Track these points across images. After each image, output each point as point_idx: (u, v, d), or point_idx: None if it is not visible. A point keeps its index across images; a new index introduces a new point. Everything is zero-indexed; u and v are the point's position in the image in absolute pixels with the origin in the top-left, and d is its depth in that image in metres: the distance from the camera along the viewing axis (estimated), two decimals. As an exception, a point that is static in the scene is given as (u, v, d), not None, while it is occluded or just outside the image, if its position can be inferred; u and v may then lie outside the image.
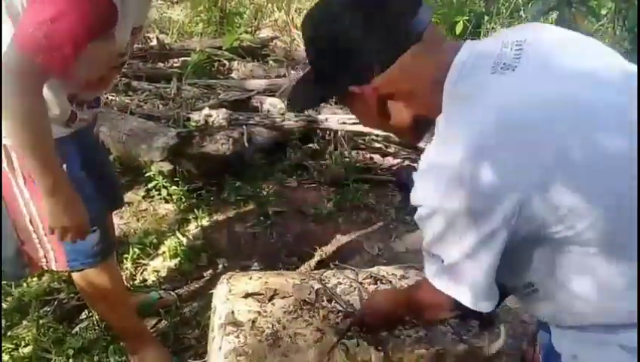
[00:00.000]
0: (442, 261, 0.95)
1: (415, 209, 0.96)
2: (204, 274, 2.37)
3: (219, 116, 3.19)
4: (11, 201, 1.52)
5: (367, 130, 3.31)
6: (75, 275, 1.73)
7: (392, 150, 3.62)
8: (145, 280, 2.30)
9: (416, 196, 0.95)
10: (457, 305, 1.00)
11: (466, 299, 0.96)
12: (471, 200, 0.86)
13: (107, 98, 3.75)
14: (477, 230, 0.87)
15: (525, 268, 0.95)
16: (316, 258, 2.51)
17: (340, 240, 2.66)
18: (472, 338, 1.50)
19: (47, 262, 1.62)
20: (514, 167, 0.84)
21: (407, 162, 3.41)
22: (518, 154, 0.84)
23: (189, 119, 3.28)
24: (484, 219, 0.86)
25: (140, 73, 4.25)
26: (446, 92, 0.93)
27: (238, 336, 1.45)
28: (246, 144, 2.90)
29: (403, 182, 3.13)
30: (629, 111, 0.86)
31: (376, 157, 3.51)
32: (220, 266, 2.43)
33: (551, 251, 0.91)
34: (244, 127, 3.04)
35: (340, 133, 3.46)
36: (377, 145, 3.60)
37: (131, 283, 2.26)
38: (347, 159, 3.25)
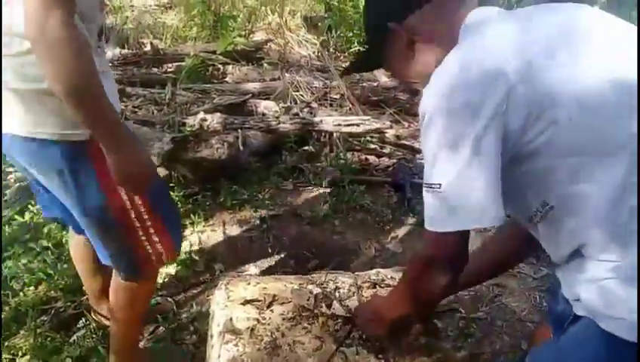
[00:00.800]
0: (440, 188, 0.99)
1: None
2: (202, 280, 2.36)
3: (213, 120, 3.17)
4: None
5: (362, 130, 3.32)
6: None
7: (387, 150, 3.62)
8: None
9: (421, 107, 1.02)
10: (451, 258, 1.06)
11: (470, 220, 0.99)
12: (464, 94, 0.95)
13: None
14: (472, 125, 0.94)
15: (536, 189, 1.00)
16: (313, 261, 2.51)
17: (337, 242, 2.66)
18: (472, 344, 1.50)
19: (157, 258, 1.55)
20: (501, 60, 0.95)
21: (402, 162, 3.41)
22: (504, 47, 0.97)
23: (184, 124, 3.26)
24: (478, 110, 0.94)
25: (134, 79, 4.23)
26: (460, 34, 1.05)
27: (236, 345, 1.44)
28: (241, 148, 2.89)
29: (399, 182, 3.13)
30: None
31: (372, 158, 3.51)
32: (217, 271, 2.42)
33: (550, 163, 0.97)
34: (239, 130, 3.03)
35: (335, 135, 3.46)
36: (372, 146, 3.60)
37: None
38: (342, 161, 3.25)
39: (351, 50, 5.74)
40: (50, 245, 2.39)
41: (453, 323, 1.55)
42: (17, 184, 2.71)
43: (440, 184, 0.99)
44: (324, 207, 2.87)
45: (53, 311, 2.13)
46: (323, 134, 3.49)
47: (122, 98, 3.93)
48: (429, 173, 1.01)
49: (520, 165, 0.99)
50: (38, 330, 2.01)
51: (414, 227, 2.82)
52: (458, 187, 0.98)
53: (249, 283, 1.70)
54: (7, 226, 2.49)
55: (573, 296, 1.05)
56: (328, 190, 3.02)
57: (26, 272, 2.25)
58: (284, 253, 2.58)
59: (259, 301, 1.60)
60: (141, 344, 1.98)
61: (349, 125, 3.21)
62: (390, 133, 3.61)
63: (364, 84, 4.62)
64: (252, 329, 1.48)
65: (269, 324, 1.51)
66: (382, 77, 4.98)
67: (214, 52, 4.60)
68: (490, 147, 0.95)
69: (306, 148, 3.34)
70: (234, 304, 1.59)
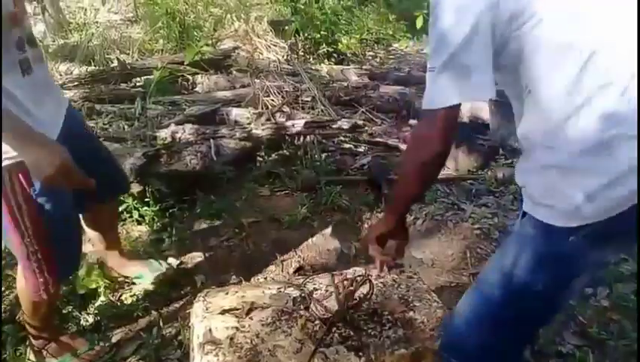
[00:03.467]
0: (443, 66, 1.13)
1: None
2: (183, 293, 2.35)
3: (185, 132, 3.17)
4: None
5: (334, 131, 3.33)
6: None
7: (361, 149, 3.64)
8: (125, 304, 2.27)
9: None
10: (446, 130, 1.20)
11: (471, 93, 1.15)
12: None
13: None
14: (472, 11, 1.10)
15: (522, 71, 1.15)
16: (294, 264, 2.51)
17: (317, 243, 2.67)
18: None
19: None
20: None
21: (377, 159, 3.43)
22: None
23: (155, 138, 3.25)
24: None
25: (103, 96, 4.21)
26: None
27: (217, 355, 1.44)
28: (214, 158, 2.88)
29: (375, 179, 3.15)
30: None
31: (347, 158, 3.52)
32: (199, 283, 2.41)
33: (532, 50, 1.11)
34: (211, 140, 3.02)
35: (308, 137, 3.47)
36: (347, 145, 3.62)
37: (113, 310, 2.23)
38: (318, 163, 3.26)
39: (319, 51, 5.77)
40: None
41: (430, 314, 1.57)
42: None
43: (443, 62, 1.13)
44: (302, 210, 2.87)
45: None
46: (297, 137, 3.50)
47: (92, 116, 3.91)
48: (433, 56, 1.16)
49: (507, 52, 1.14)
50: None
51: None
52: (459, 63, 1.12)
53: (227, 293, 1.69)
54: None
55: (521, 183, 1.23)
56: (305, 193, 3.02)
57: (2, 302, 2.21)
58: (265, 260, 2.58)
59: (237, 309, 1.60)
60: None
61: (320, 126, 3.22)
62: (363, 132, 3.63)
63: (335, 85, 4.65)
64: (231, 338, 1.49)
65: (248, 331, 1.51)
66: (352, 76, 5.01)
67: (182, 63, 4.59)
68: (487, 29, 1.11)
69: (281, 152, 3.34)
70: (212, 314, 1.59)
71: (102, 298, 2.28)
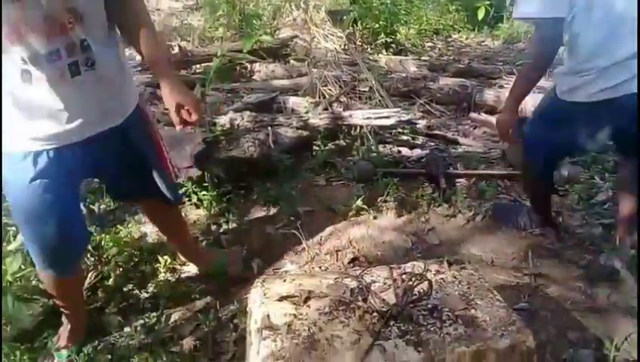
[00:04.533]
0: None
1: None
2: (239, 277, 2.37)
3: (243, 119, 3.19)
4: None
5: (392, 122, 3.28)
6: None
7: (419, 141, 3.58)
8: (183, 285, 2.32)
9: None
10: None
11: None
12: None
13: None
14: None
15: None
16: (348, 255, 2.49)
17: (372, 235, 2.64)
18: (514, 333, 1.45)
19: None
20: None
21: (435, 152, 3.36)
22: None
23: (214, 124, 3.29)
24: None
25: (164, 81, 4.30)
26: None
27: (274, 340, 1.44)
28: (272, 145, 2.89)
29: (433, 173, 3.08)
30: None
31: (404, 150, 3.47)
32: (255, 268, 2.43)
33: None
34: (269, 128, 3.03)
35: (365, 128, 3.44)
36: (404, 137, 3.56)
37: (168, 295, 2.28)
38: (374, 154, 3.22)
39: (377, 41, 5.70)
40: (90, 248, 2.44)
41: (492, 313, 1.51)
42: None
43: None
44: (358, 201, 2.85)
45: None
46: (354, 128, 3.47)
47: (153, 101, 4.00)
48: None
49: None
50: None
51: (450, 219, 2.78)
52: None
53: (284, 280, 1.70)
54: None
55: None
56: (361, 184, 3.00)
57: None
58: (319, 249, 2.57)
59: (295, 297, 1.60)
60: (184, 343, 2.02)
61: (379, 118, 3.18)
62: (422, 124, 3.56)
63: (393, 76, 4.58)
64: (289, 325, 1.48)
65: (306, 319, 1.51)
66: (411, 67, 4.92)
67: (241, 51, 4.63)
68: None
69: (337, 142, 3.32)
70: (270, 301, 1.59)
71: (161, 276, 2.33)
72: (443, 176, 2.98)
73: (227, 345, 2.05)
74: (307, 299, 1.59)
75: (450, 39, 7.93)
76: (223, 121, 3.26)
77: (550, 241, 2.62)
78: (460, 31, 8.38)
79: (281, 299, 1.59)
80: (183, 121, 1.67)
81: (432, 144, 3.53)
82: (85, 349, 1.99)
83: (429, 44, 7.31)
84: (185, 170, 2.75)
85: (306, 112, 3.30)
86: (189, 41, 5.47)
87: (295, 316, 1.52)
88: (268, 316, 1.53)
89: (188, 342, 2.06)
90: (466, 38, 8.04)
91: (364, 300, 1.57)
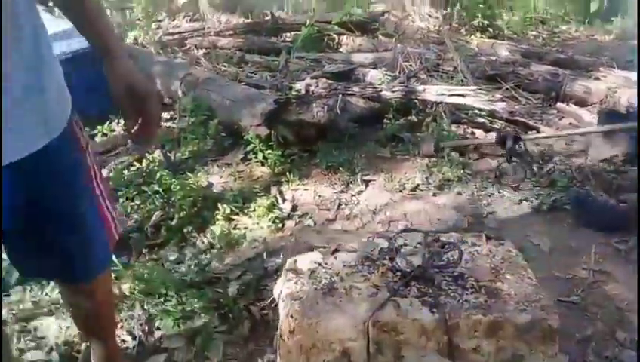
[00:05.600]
0: None
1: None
2: (290, 233, 2.46)
3: (318, 86, 3.26)
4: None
5: (468, 102, 3.20)
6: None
7: (497, 126, 3.46)
8: (237, 233, 2.44)
9: None
10: None
11: None
12: None
13: (221, 69, 4.00)
14: None
15: None
16: (400, 227, 2.49)
17: (428, 211, 2.62)
18: (538, 309, 1.41)
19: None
20: None
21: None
22: None
23: (290, 89, 3.39)
24: None
25: (253, 47, 4.47)
26: None
27: (296, 283, 1.51)
28: (338, 112, 2.93)
29: (508, 146, 2.94)
30: None
31: (479, 132, 3.38)
32: (307, 224, 2.50)
33: None
34: (340, 95, 3.07)
35: (441, 106, 3.38)
36: (481, 120, 3.46)
37: (223, 241, 2.41)
38: (445, 132, 3.17)
39: (473, 22, 5.52)
40: (160, 189, 2.63)
41: (519, 288, 1.48)
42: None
43: None
44: (420, 175, 2.82)
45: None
46: (429, 105, 3.42)
47: (240, 64, 4.18)
48: None
49: None
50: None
51: (514, 205, 2.69)
52: None
53: (319, 233, 1.76)
54: (125, 170, 2.80)
55: None
56: (426, 160, 2.97)
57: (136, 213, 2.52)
58: (374, 219, 2.59)
59: (325, 248, 1.65)
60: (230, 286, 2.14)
61: (453, 95, 3.11)
62: (500, 107, 3.43)
63: (482, 58, 4.43)
64: (313, 271, 1.55)
65: (330, 268, 1.56)
66: (503, 52, 4.73)
67: (330, 22, 4.68)
68: None
69: (409, 117, 3.30)
70: (301, 249, 1.66)
71: (219, 223, 2.47)
72: (512, 140, 2.85)
73: (268, 293, 2.14)
74: (336, 250, 1.64)
75: (557, 30, 7.48)
76: (299, 86, 3.34)
77: (619, 241, 2.47)
78: (569, 22, 7.87)
79: (312, 248, 1.66)
80: (135, 133, 1.24)
81: (510, 129, 3.39)
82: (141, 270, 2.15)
83: (533, 32, 6.94)
84: (254, 127, 2.87)
85: (380, 84, 3.30)
86: (285, 10, 5.61)
87: (320, 264, 1.58)
88: (295, 261, 1.60)
89: (233, 285, 2.18)
90: (575, 31, 7.54)
91: (391, 259, 1.59)
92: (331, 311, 1.41)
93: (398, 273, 1.53)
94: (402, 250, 1.63)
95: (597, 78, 3.94)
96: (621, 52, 5.79)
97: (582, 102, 3.74)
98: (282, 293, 1.49)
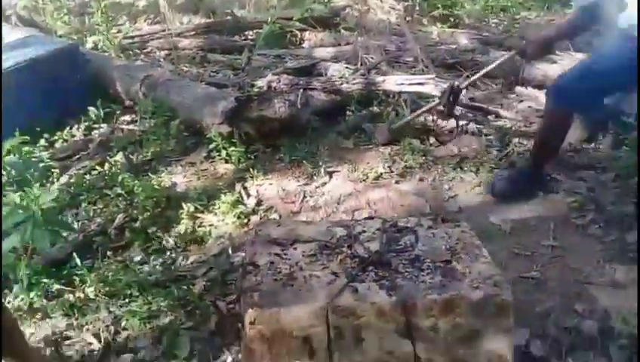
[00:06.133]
0: None
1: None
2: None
3: (280, 82, 3.27)
4: None
5: (427, 90, 3.25)
6: None
7: (457, 113, 3.51)
8: (201, 231, 2.44)
9: None
10: None
11: None
12: None
13: (183, 69, 3.98)
14: None
15: None
16: (364, 215, 2.53)
17: (392, 199, 2.65)
18: (491, 286, 1.46)
19: None
20: None
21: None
22: None
23: (253, 86, 3.40)
24: None
25: (215, 46, 4.46)
26: None
27: (256, 275, 1.52)
28: (299, 106, 2.95)
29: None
30: None
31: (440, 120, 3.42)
32: (272, 218, 2.51)
33: None
34: (301, 90, 3.09)
35: (402, 96, 3.42)
36: (441, 107, 3.50)
37: (188, 239, 2.41)
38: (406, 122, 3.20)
39: (433, 13, 5.58)
40: (123, 192, 2.62)
41: (473, 267, 1.52)
42: (99, 138, 2.98)
43: None
44: (382, 164, 2.86)
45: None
46: (391, 95, 3.46)
47: (203, 63, 4.16)
48: None
49: None
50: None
51: (475, 187, 2.74)
52: None
53: (279, 225, 1.78)
54: (87, 175, 2.77)
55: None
56: (388, 149, 3.00)
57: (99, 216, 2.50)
58: (338, 209, 2.62)
59: (284, 240, 1.67)
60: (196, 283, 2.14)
61: (412, 84, 3.15)
62: (462, 95, 3.48)
63: (442, 47, 4.48)
64: (272, 263, 1.56)
65: (289, 259, 1.58)
66: (462, 40, 4.80)
67: (291, 19, 4.68)
68: None
69: (371, 109, 3.33)
70: (261, 242, 1.67)
71: (183, 222, 2.47)
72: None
73: (234, 288, 2.16)
74: (295, 241, 1.66)
75: (517, 17, 7.61)
76: (261, 83, 3.35)
77: (577, 216, 2.55)
78: (530, 9, 8.02)
79: (271, 241, 1.67)
80: None
81: (471, 116, 3.45)
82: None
83: (495, 20, 7.05)
84: (216, 125, 2.87)
85: (341, 77, 3.33)
86: (245, 9, 5.58)
87: (279, 256, 1.60)
88: (255, 254, 1.61)
89: (199, 282, 2.19)
90: (536, 16, 7.69)
91: (349, 247, 1.62)
92: (291, 300, 1.43)
93: (356, 259, 1.55)
94: (361, 237, 1.66)
95: (554, 62, 4.02)
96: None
97: (541, 86, 3.82)
98: (244, 286, 1.51)
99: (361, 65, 3.83)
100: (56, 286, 2.10)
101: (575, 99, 2.45)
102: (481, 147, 3.07)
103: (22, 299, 2.04)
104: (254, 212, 2.56)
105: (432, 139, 3.14)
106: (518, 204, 2.62)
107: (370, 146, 3.06)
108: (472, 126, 3.32)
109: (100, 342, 1.90)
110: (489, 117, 3.48)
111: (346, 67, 3.64)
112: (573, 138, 3.12)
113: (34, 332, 1.94)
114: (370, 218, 1.85)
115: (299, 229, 1.74)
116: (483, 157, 2.97)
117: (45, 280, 2.10)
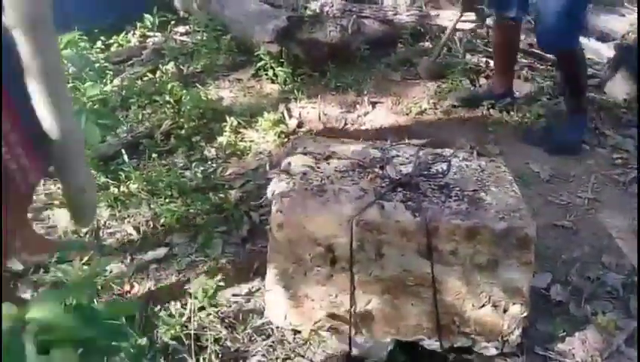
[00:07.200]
0: None
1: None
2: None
3: (333, 6, 3.22)
4: None
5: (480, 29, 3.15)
6: None
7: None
8: (240, 149, 2.52)
9: None
10: None
11: None
12: None
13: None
14: None
15: None
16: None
17: (432, 135, 2.64)
18: (516, 219, 1.47)
19: None
20: None
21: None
22: None
23: (306, 8, 3.36)
24: None
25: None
26: None
27: (288, 183, 1.58)
28: (350, 32, 2.91)
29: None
30: None
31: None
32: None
33: None
34: (354, 16, 3.04)
35: (458, 34, 3.32)
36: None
37: (229, 151, 2.49)
38: (459, 59, 3.14)
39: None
40: (171, 100, 2.70)
41: (501, 199, 1.53)
42: (153, 47, 3.05)
43: None
44: (427, 100, 2.84)
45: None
46: (446, 32, 3.36)
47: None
48: None
49: None
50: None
51: (518, 133, 2.70)
52: None
53: (315, 140, 1.82)
54: (139, 80, 2.86)
55: None
56: (435, 85, 2.97)
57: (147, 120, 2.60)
58: (376, 138, 2.63)
59: (319, 154, 1.72)
60: (232, 193, 2.23)
61: (466, 21, 3.06)
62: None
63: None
64: (305, 173, 1.62)
65: (322, 172, 1.63)
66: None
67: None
68: None
69: (423, 43, 3.27)
70: (297, 153, 1.73)
71: (226, 135, 2.55)
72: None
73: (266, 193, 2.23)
74: (329, 157, 1.71)
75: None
76: (314, 6, 3.31)
77: (620, 173, 2.49)
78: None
79: (306, 153, 1.72)
80: None
81: (527, 61, 3.34)
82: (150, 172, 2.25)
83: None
84: (266, 44, 2.88)
85: (394, 7, 3.25)
86: None
87: (312, 168, 1.65)
88: (289, 163, 1.67)
89: (236, 193, 2.28)
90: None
91: (382, 168, 1.65)
92: (319, 208, 1.48)
93: (387, 180, 1.59)
94: (394, 160, 1.69)
95: (622, 15, 3.81)
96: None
97: (604, 38, 3.65)
98: (275, 192, 1.57)
99: (420, -3, 3.71)
100: (103, 180, 2.23)
101: (572, 35, 2.44)
102: (531, 94, 2.99)
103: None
104: (294, 132, 2.61)
105: (482, 80, 3.07)
106: (562, 154, 2.58)
107: (418, 81, 3.02)
108: (526, 71, 3.22)
109: (138, 233, 2.02)
110: (545, 65, 3.36)
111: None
112: (626, 93, 3.00)
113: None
114: (407, 144, 1.87)
115: (335, 147, 1.78)
116: (532, 104, 2.90)
117: (93, 172, 2.22)
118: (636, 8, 3.87)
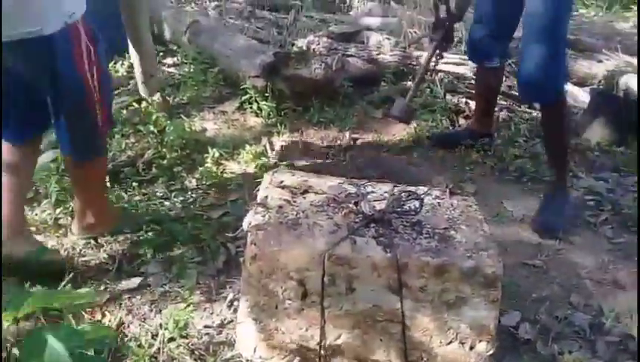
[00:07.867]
0: None
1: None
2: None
3: (320, 44, 3.31)
4: None
5: (464, 71, 3.25)
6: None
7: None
8: (223, 176, 2.55)
9: None
10: None
11: None
12: None
13: (228, 21, 4.06)
14: None
15: None
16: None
17: (412, 173, 2.70)
18: (484, 258, 1.51)
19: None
20: None
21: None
22: None
23: (293, 45, 3.45)
24: None
25: (264, 2, 4.51)
26: None
27: (264, 216, 1.61)
28: (334, 69, 2.99)
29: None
30: None
31: (473, 104, 3.42)
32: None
33: None
34: (339, 55, 3.13)
35: (440, 74, 3.42)
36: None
37: (209, 182, 2.52)
38: (439, 100, 3.22)
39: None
40: (155, 130, 2.74)
41: (470, 238, 1.58)
42: (140, 77, 3.10)
43: None
44: (407, 138, 2.91)
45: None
46: (430, 73, 3.46)
47: (249, 19, 4.23)
48: None
49: None
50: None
51: (496, 173, 2.77)
52: None
53: (293, 175, 1.86)
54: (124, 110, 2.90)
55: None
56: (415, 123, 3.03)
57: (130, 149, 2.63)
58: (355, 174, 2.68)
59: (296, 188, 1.76)
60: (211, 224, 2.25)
61: (448, 63, 3.15)
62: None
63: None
64: (281, 207, 1.65)
65: (297, 206, 1.66)
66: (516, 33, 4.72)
67: (342, -16, 4.70)
68: None
69: (405, 82, 3.36)
70: (274, 186, 1.76)
71: (207, 165, 2.58)
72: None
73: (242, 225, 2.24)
74: (305, 191, 1.74)
75: (575, 14, 7.38)
76: (301, 43, 3.40)
77: (591, 214, 2.56)
78: (588, 7, 7.77)
79: (283, 187, 1.76)
80: None
81: (505, 104, 3.44)
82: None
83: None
84: (252, 78, 2.95)
85: (378, 47, 3.35)
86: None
87: (289, 202, 1.68)
88: (266, 197, 1.70)
89: (214, 224, 2.30)
90: (594, 16, 7.46)
91: (356, 203, 1.69)
92: (292, 242, 1.52)
93: (360, 215, 1.63)
94: (368, 196, 1.73)
95: (599, 61, 3.95)
96: (633, 39, 5.74)
97: (581, 83, 3.77)
98: (250, 224, 1.60)
99: (404, 38, 3.83)
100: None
101: (559, 83, 2.39)
102: (509, 135, 3.08)
103: (48, 214, 2.20)
104: (276, 165, 2.64)
105: (461, 120, 3.16)
106: (535, 195, 2.64)
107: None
108: (505, 113, 3.32)
109: (114, 262, 2.03)
110: (523, 107, 3.46)
111: (387, 38, 3.65)
112: (601, 138, 3.10)
113: (54, 244, 2.08)
114: (382, 181, 1.91)
115: (312, 181, 1.82)
116: (509, 145, 2.98)
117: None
118: (614, 55, 4.03)
